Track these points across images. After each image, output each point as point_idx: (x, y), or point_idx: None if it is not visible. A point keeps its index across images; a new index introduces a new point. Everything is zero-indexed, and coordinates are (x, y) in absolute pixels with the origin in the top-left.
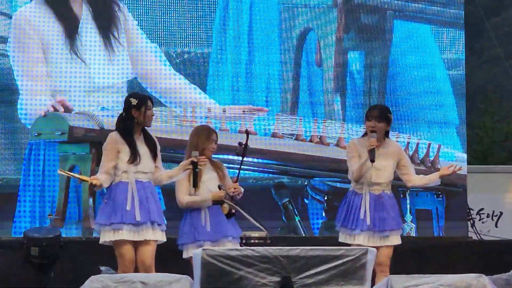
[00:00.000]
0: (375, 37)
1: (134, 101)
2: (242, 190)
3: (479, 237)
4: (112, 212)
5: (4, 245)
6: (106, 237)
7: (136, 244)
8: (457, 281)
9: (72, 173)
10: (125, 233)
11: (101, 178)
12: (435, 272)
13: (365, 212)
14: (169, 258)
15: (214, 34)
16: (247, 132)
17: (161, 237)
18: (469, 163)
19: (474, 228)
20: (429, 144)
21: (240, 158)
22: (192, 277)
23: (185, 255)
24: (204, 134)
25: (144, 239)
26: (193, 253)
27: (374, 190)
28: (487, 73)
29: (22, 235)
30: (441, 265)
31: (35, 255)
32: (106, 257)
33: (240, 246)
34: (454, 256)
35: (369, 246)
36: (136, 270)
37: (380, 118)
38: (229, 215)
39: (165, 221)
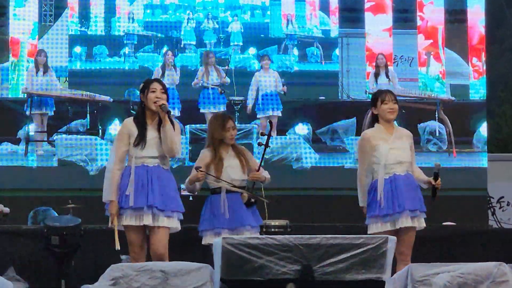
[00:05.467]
0: None
1: (140, 86)
2: (266, 177)
3: (499, 226)
4: (118, 197)
5: (24, 234)
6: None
7: (149, 232)
8: (477, 270)
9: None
10: (127, 218)
11: (116, 204)
12: (456, 260)
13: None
14: (190, 246)
15: None
16: (271, 123)
17: (167, 223)
18: (489, 151)
19: (494, 216)
20: None
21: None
22: (212, 264)
23: (204, 242)
24: (218, 123)
25: (144, 224)
26: (213, 241)
27: (399, 171)
28: (508, 62)
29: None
30: (461, 253)
31: (56, 244)
32: (127, 246)
33: (261, 234)
34: (475, 244)
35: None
36: (149, 258)
37: (395, 100)
38: (248, 204)
39: (180, 208)
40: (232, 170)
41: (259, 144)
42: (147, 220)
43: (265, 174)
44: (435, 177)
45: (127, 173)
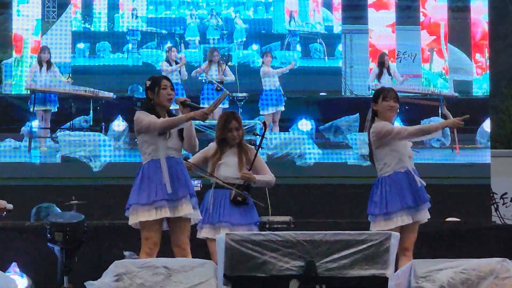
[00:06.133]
0: None
1: (148, 83)
2: (259, 179)
3: (502, 222)
4: (151, 190)
5: (28, 230)
6: (144, 216)
7: (171, 227)
8: (481, 266)
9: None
10: (167, 211)
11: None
12: (459, 256)
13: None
14: (193, 241)
15: None
16: (265, 124)
17: (193, 214)
18: (492, 147)
19: (497, 212)
20: None
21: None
22: (208, 257)
23: (198, 235)
24: (221, 123)
25: (183, 214)
26: (216, 237)
27: (412, 165)
28: (511, 57)
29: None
30: (464, 249)
31: (59, 240)
32: (130, 242)
33: (264, 230)
34: (478, 240)
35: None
36: (171, 254)
37: (396, 98)
38: (234, 202)
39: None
40: (226, 168)
41: (251, 144)
42: (188, 210)
43: (262, 176)
44: None
45: (156, 165)
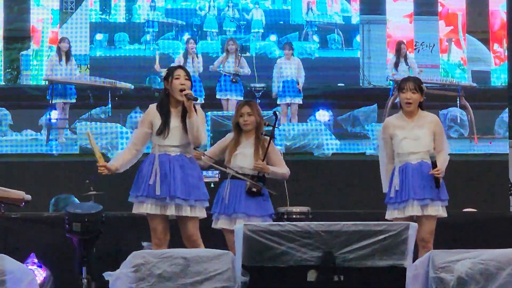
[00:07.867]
0: None
1: (164, 72)
2: (276, 171)
3: None
4: (139, 184)
5: (46, 221)
6: (135, 209)
7: (178, 220)
8: (499, 256)
9: (94, 142)
10: (149, 207)
11: (115, 164)
12: (477, 247)
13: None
14: (210, 232)
15: None
16: (275, 114)
17: (190, 213)
18: (510, 137)
19: None
20: None
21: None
22: (224, 247)
23: (213, 225)
24: (235, 109)
25: (166, 214)
26: (234, 228)
27: (412, 159)
28: None
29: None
30: (482, 240)
31: (77, 231)
32: (149, 233)
33: (282, 221)
34: (496, 231)
35: (410, 216)
36: (183, 245)
37: (415, 89)
38: (249, 193)
39: (203, 197)
40: (242, 158)
41: (264, 135)
42: (171, 211)
43: (275, 168)
44: (433, 166)
45: (150, 161)
